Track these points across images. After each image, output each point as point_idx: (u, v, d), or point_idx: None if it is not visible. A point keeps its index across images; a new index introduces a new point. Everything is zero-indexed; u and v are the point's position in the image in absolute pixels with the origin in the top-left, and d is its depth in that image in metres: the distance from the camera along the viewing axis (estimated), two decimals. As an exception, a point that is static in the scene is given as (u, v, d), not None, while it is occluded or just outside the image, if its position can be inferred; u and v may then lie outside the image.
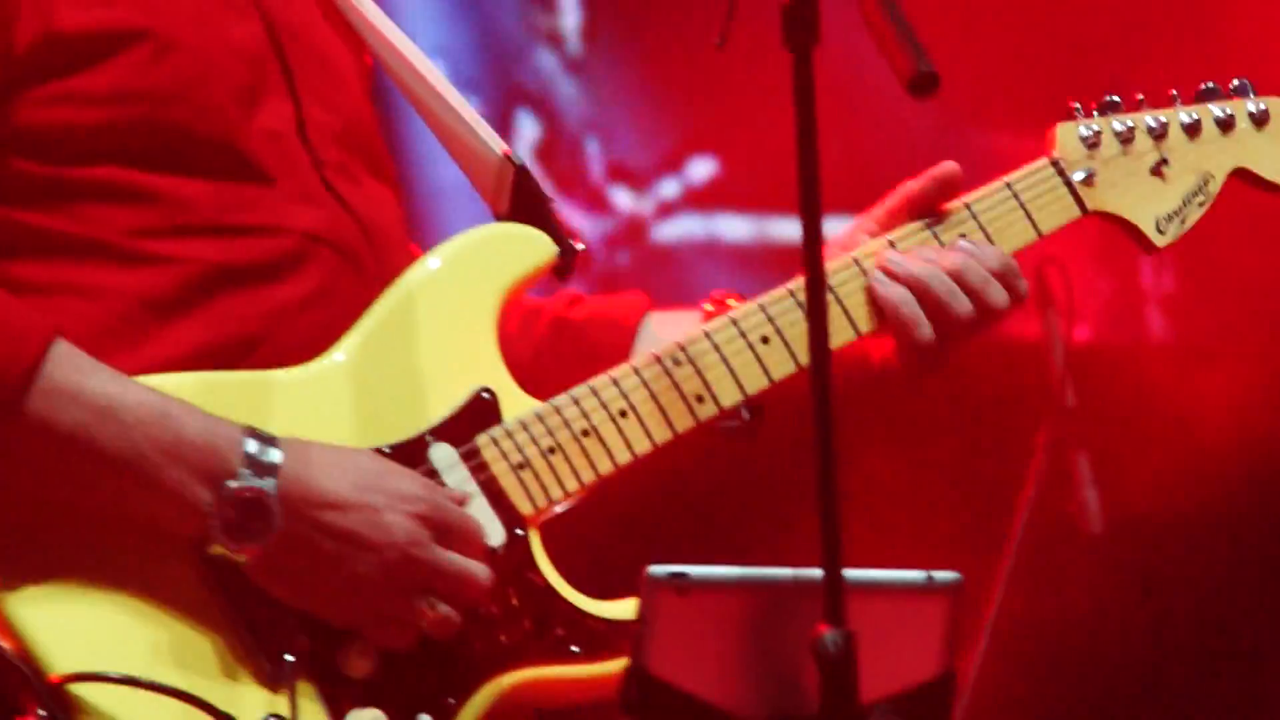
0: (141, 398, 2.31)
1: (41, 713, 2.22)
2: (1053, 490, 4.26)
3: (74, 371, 2.31)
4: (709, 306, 2.63)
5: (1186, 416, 4.64)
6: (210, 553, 2.32)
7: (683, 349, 2.51)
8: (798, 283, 2.53)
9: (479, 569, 2.38)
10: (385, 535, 2.35)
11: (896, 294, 2.53)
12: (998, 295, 2.55)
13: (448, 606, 2.36)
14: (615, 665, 2.38)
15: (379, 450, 2.41)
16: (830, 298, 2.52)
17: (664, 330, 2.66)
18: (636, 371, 2.50)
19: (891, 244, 2.56)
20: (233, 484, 2.29)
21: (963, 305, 2.53)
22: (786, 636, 2.14)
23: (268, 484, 2.30)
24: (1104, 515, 4.04)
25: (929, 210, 2.59)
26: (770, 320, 2.53)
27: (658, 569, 2.09)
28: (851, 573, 2.03)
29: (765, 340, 2.53)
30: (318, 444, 2.36)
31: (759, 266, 5.27)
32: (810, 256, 2.03)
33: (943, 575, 2.24)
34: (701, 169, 5.43)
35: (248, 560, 2.31)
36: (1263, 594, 4.71)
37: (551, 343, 2.70)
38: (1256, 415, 4.56)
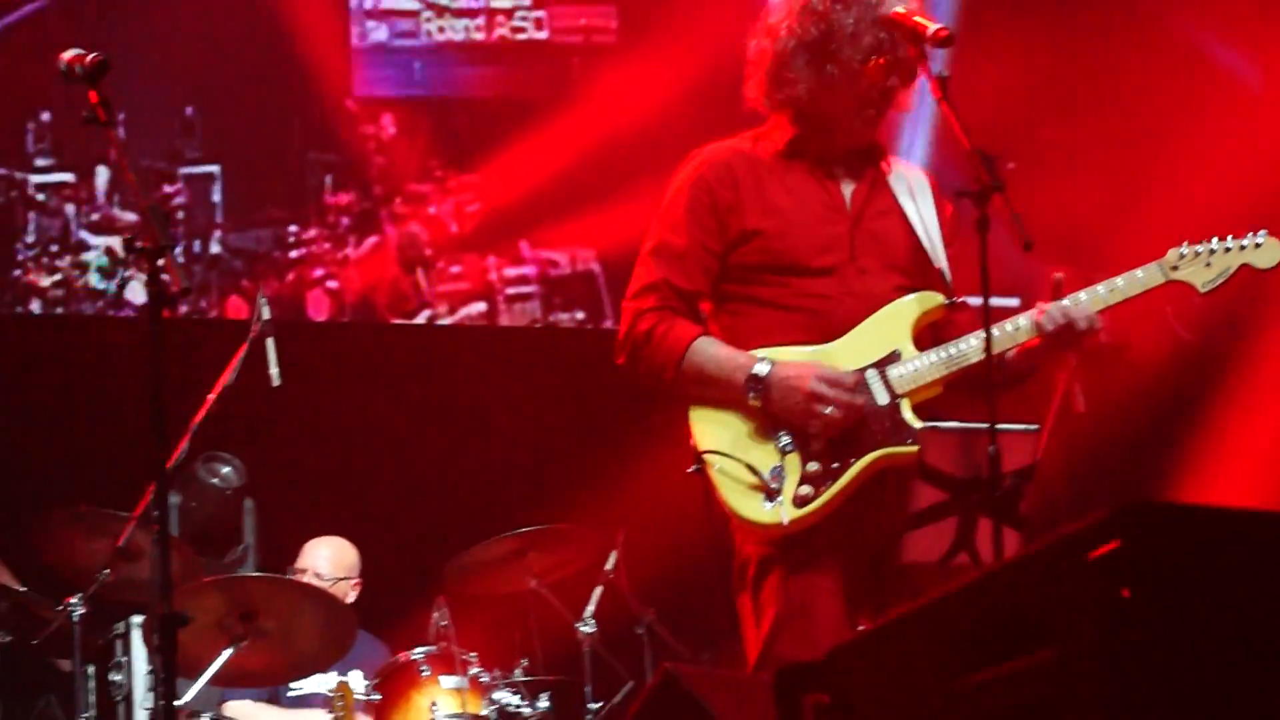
0: (730, 353, 5.45)
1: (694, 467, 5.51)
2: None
3: (708, 345, 5.48)
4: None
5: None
6: (752, 403, 5.41)
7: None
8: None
9: (851, 400, 5.34)
10: (802, 389, 5.33)
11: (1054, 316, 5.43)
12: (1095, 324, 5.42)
13: (836, 413, 5.32)
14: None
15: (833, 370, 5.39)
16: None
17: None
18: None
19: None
20: (753, 370, 5.42)
21: (1084, 323, 5.41)
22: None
23: (764, 373, 5.35)
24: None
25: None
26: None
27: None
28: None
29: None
30: (792, 360, 5.39)
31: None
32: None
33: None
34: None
35: (762, 405, 5.43)
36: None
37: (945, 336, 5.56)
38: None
